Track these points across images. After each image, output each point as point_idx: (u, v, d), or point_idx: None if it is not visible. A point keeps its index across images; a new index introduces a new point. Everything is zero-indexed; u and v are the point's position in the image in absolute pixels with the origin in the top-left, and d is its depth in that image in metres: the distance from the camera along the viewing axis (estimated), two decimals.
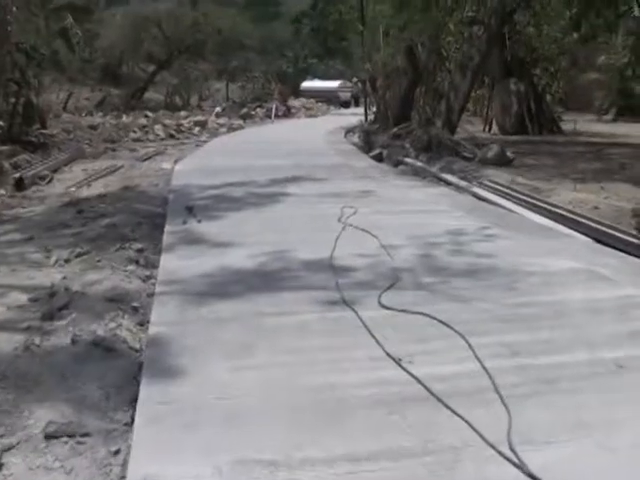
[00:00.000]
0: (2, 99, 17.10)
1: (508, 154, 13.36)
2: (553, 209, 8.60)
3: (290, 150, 17.25)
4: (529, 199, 9.31)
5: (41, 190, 12.27)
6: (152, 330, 4.68)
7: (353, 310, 4.91)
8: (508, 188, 10.14)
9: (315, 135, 22.85)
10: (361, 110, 29.31)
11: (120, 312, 5.22)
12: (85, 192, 11.69)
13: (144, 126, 24.61)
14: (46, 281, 6.21)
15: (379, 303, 5.08)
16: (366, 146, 17.86)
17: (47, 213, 9.72)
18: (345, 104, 43.84)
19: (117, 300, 5.55)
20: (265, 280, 5.83)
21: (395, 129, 16.74)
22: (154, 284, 5.99)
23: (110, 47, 36.79)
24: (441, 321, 4.66)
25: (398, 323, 4.71)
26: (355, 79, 42.91)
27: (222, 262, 6.36)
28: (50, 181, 13.21)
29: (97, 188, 12.07)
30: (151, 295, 5.65)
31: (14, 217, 9.54)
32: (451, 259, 6.45)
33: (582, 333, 4.53)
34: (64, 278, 6.27)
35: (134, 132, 23.29)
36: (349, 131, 23.96)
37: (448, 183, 11.58)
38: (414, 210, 8.97)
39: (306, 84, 45.02)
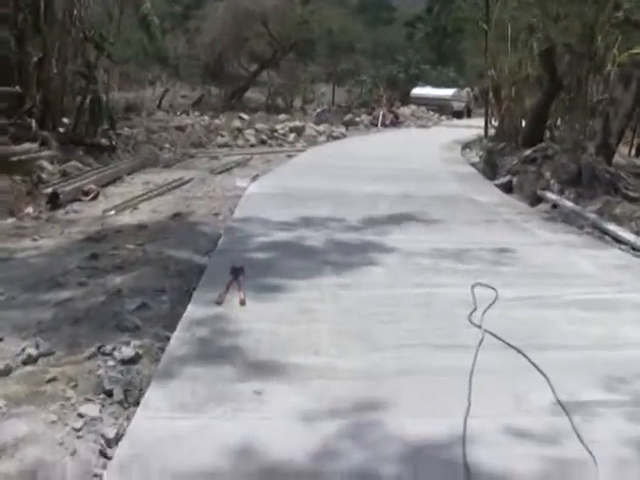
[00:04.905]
0: (68, 95, 14.82)
1: None
2: None
3: (396, 171, 14.05)
4: None
5: (77, 210, 9.65)
6: None
7: None
8: None
9: (427, 150, 19.49)
10: (475, 122, 26.04)
11: None
12: (126, 218, 9.00)
13: (237, 129, 21.93)
14: None
15: None
16: (489, 169, 14.50)
17: (53, 253, 6.99)
18: (458, 114, 40.13)
19: None
20: None
21: (528, 151, 13.27)
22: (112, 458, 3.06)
23: (212, 43, 34.41)
24: None
25: None
26: (469, 88, 39.28)
27: (244, 433, 3.24)
28: (95, 197, 10.59)
29: (143, 213, 9.35)
30: None
31: (6, 257, 6.86)
32: None
33: None
34: None
35: (221, 136, 20.65)
36: (465, 147, 20.61)
37: (616, 239, 8.13)
38: (589, 298, 5.48)
39: (417, 91, 41.45)
